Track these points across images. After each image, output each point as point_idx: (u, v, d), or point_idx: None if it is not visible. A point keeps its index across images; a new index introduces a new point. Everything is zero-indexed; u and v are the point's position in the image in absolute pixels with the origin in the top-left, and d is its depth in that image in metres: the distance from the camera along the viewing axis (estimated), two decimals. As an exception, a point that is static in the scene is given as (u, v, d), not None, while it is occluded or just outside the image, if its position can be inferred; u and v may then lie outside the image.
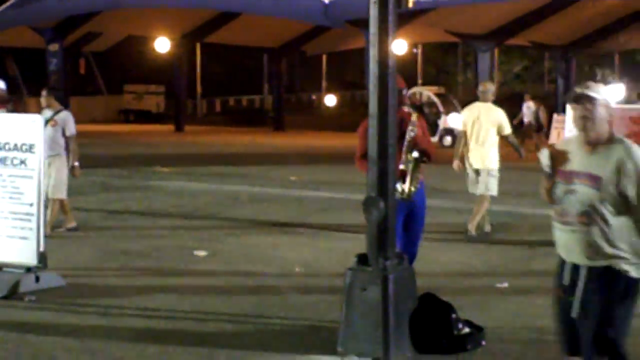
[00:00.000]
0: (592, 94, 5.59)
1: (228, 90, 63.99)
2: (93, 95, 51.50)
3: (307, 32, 42.44)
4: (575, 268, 5.66)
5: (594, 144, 5.61)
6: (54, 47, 37.07)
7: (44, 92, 13.03)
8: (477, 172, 13.23)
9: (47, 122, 11.07)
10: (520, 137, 31.56)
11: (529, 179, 20.78)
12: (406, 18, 31.29)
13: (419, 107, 9.63)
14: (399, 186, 8.30)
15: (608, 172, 5.52)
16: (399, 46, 32.26)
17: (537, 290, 9.98)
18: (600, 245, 5.54)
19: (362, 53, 70.40)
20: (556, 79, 38.98)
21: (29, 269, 9.54)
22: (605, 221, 5.52)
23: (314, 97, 75.60)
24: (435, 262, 11.07)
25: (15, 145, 9.60)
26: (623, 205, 5.52)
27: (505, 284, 10.15)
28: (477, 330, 7.72)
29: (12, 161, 9.62)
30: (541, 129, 31.38)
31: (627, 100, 30.63)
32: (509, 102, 50.46)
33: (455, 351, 7.53)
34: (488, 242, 12.81)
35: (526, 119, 31.43)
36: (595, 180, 5.54)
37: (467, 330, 7.65)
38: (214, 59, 61.73)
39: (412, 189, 8.57)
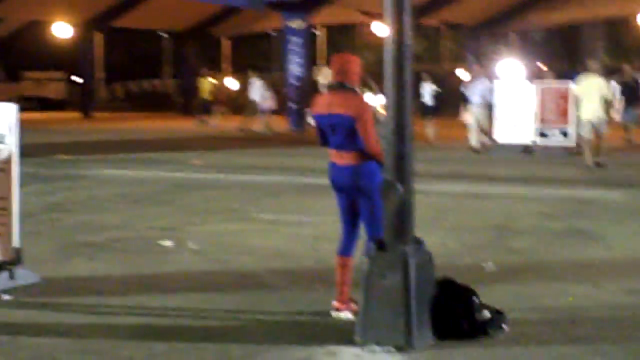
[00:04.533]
0: None
1: (129, 75, 62.92)
2: (-9, 82, 50.06)
3: (214, 15, 41.91)
4: None
5: None
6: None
7: None
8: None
9: None
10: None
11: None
12: (323, 1, 31.13)
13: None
14: None
15: None
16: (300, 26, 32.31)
17: (526, 269, 9.87)
18: None
19: (266, 37, 69.54)
20: (467, 59, 39.22)
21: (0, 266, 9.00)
22: None
23: (215, 81, 74.89)
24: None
25: (-17, 135, 9.02)
26: None
27: (490, 264, 9.96)
28: (498, 314, 7.51)
29: (-21, 152, 9.04)
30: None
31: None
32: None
33: (477, 335, 7.30)
34: (456, 226, 12.68)
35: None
36: None
37: (487, 314, 7.43)
38: (113, 43, 60.61)
39: None
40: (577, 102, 19.97)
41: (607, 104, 19.76)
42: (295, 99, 31.26)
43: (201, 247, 11.14)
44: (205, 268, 10.00)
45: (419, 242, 7.36)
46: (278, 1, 30.16)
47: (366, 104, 7.96)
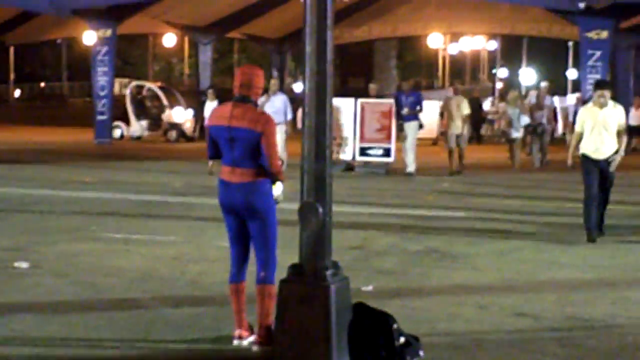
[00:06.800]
0: None
1: None
2: None
3: (6, 20, 40.25)
4: None
5: None
6: None
7: None
8: None
9: None
10: None
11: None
12: (131, 10, 30.44)
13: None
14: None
15: None
16: (90, 38, 31.31)
17: (405, 292, 9.79)
18: None
19: (44, 44, 67.41)
20: (271, 71, 39.24)
21: None
22: None
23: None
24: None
25: None
26: None
27: (370, 287, 9.83)
28: (414, 340, 7.36)
29: None
30: None
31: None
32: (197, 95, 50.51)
33: (396, 363, 7.13)
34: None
35: None
36: None
37: (403, 340, 7.27)
38: None
39: None
40: (444, 118, 23.38)
41: (466, 121, 22.66)
42: (101, 110, 30.34)
43: (60, 268, 10.53)
44: (74, 292, 9.43)
45: (337, 267, 7.13)
46: (85, 9, 29.27)
47: (272, 120, 7.66)
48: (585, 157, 12.71)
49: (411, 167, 21.78)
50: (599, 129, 12.55)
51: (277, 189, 7.56)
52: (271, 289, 7.45)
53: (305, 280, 7.00)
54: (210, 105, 21.85)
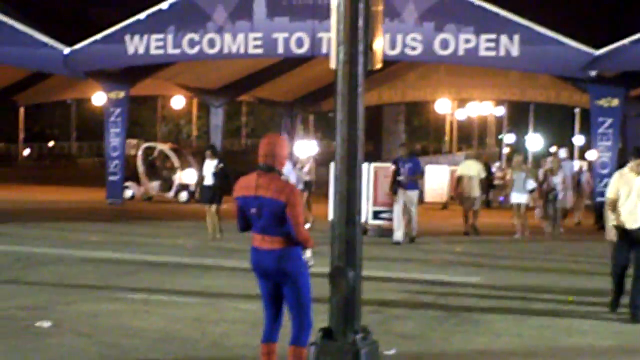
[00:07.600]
0: None
1: None
2: None
3: (19, 81, 40.67)
4: None
5: None
6: None
7: None
8: None
9: None
10: None
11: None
12: (144, 73, 30.75)
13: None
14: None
15: None
16: (100, 99, 31.94)
17: (428, 358, 9.81)
18: None
19: (54, 104, 67.77)
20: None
21: None
22: None
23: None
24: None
25: None
26: None
27: (393, 351, 9.85)
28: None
29: None
30: None
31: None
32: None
33: None
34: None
35: None
36: None
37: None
38: None
39: None
40: (459, 181, 24.36)
41: (482, 184, 24.75)
42: (113, 170, 30.54)
43: (81, 327, 10.58)
44: (98, 352, 9.47)
45: (366, 331, 7.20)
46: (98, 71, 29.61)
47: (296, 189, 7.79)
48: (616, 227, 12.21)
49: (415, 232, 21.35)
50: (634, 197, 12.02)
51: (307, 252, 7.66)
52: (302, 352, 7.51)
53: (335, 344, 7.06)
54: (209, 164, 20.63)
